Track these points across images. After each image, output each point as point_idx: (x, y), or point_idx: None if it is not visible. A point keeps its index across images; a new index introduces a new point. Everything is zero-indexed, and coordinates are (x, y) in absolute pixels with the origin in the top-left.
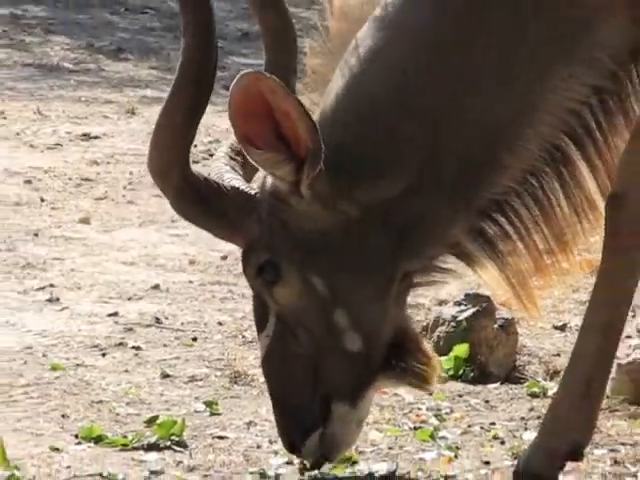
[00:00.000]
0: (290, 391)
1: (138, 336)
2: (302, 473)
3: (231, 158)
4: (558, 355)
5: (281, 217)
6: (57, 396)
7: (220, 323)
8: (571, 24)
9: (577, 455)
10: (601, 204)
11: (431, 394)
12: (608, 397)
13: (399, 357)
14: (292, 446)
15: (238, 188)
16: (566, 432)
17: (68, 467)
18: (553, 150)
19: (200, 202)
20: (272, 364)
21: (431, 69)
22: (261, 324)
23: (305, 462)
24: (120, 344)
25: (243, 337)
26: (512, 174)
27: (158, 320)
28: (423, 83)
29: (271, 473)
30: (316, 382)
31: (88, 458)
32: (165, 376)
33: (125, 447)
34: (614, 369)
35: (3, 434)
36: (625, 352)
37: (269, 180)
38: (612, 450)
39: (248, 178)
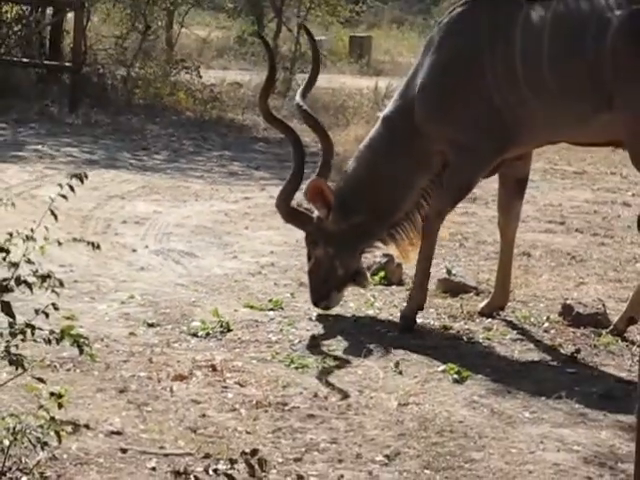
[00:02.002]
0: (316, 284)
1: (266, 270)
2: None
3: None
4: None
5: (319, 225)
6: (235, 290)
7: (295, 265)
8: (424, 164)
9: (421, 309)
10: None
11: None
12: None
13: (357, 276)
14: (315, 304)
15: (306, 214)
16: (416, 301)
17: (240, 317)
18: (415, 205)
19: (293, 218)
20: (311, 274)
21: (373, 173)
22: (309, 259)
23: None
24: (259, 273)
25: (303, 270)
26: (404, 212)
27: (272, 264)
28: (371, 178)
29: (312, 318)
30: (326, 282)
31: (247, 313)
32: (275, 284)
33: (261, 310)
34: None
35: (217, 305)
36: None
37: (315, 211)
38: (436, 310)
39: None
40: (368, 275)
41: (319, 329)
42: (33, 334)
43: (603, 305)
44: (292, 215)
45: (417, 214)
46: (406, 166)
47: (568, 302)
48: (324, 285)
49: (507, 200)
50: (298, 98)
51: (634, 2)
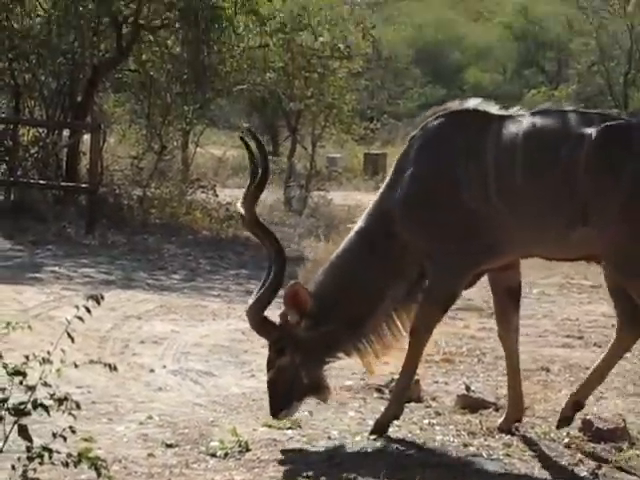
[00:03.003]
0: (278, 394)
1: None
2: None
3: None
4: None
5: (289, 332)
6: (254, 409)
7: None
8: (399, 275)
9: (396, 419)
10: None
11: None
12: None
13: (319, 387)
14: (275, 415)
15: (273, 323)
16: (392, 412)
17: (259, 436)
18: (385, 317)
19: (261, 327)
20: (273, 384)
21: (347, 283)
22: (270, 367)
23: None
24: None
25: None
26: (374, 323)
27: None
28: (344, 288)
29: (331, 436)
30: (289, 391)
31: (266, 433)
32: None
33: (279, 429)
34: None
35: (235, 424)
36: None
37: (288, 316)
38: (455, 426)
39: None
40: (330, 388)
41: (338, 447)
42: (51, 457)
43: (623, 420)
44: (261, 324)
45: (385, 326)
46: (380, 277)
47: (588, 417)
48: (287, 395)
49: (503, 312)
50: (243, 211)
51: (606, 118)
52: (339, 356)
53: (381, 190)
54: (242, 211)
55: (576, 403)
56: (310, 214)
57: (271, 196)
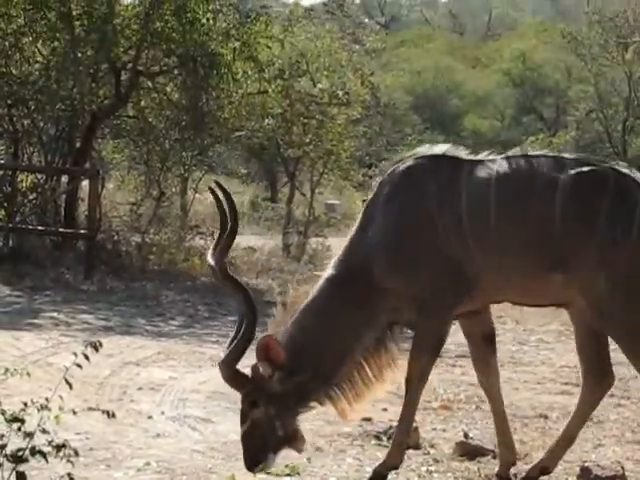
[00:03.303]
0: (253, 448)
1: None
2: None
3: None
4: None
5: (262, 384)
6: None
7: (311, 429)
8: (371, 322)
9: (395, 469)
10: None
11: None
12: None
13: (294, 438)
14: (250, 469)
15: (246, 375)
16: (392, 461)
17: None
18: (356, 365)
19: (234, 380)
20: (248, 438)
21: (319, 332)
22: (244, 421)
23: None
24: None
25: (319, 434)
26: (345, 371)
27: None
28: (317, 337)
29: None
30: (264, 445)
31: (264, 479)
32: None
33: (277, 475)
34: None
35: (234, 471)
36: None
37: (261, 369)
38: (453, 474)
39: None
40: (304, 438)
41: None
42: None
43: (622, 467)
44: (234, 377)
45: (356, 373)
46: (352, 324)
47: (586, 464)
48: (262, 448)
49: (482, 357)
50: (214, 262)
51: (581, 163)
52: (312, 405)
53: (350, 236)
54: (212, 263)
55: (545, 468)
56: (308, 260)
57: (269, 242)
